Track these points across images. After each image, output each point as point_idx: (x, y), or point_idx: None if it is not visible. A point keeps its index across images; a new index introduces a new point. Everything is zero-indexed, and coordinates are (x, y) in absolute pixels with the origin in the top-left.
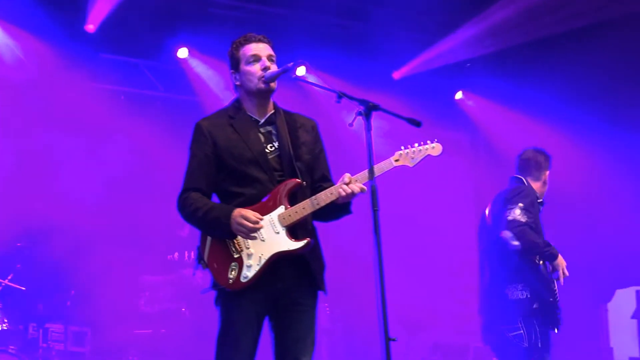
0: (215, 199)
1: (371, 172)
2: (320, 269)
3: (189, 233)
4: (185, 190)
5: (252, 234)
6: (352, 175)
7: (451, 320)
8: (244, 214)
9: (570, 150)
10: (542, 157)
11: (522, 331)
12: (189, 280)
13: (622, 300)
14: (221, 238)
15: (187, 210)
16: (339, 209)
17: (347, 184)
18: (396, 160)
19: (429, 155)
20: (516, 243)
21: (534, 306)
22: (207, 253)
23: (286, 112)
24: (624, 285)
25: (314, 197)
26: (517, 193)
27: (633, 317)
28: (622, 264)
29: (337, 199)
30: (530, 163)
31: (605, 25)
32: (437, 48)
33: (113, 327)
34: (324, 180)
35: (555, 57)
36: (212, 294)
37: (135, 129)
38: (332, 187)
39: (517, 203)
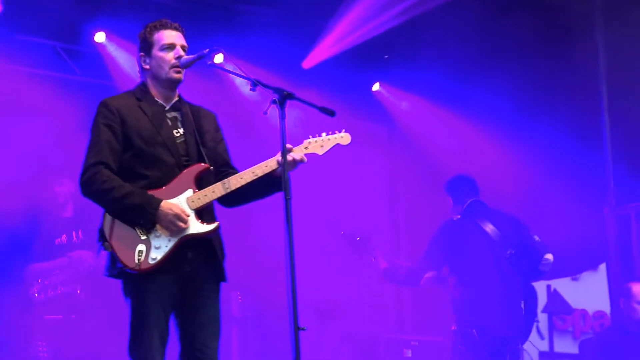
0: None
1: (285, 160)
2: (222, 258)
3: (73, 214)
4: (95, 163)
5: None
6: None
7: (363, 311)
8: (177, 213)
9: (488, 143)
10: None
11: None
12: (80, 262)
13: None
14: (136, 224)
15: (99, 187)
16: (273, 183)
17: (288, 153)
18: (306, 148)
19: (338, 144)
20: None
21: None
22: (111, 234)
23: (189, 103)
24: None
25: (224, 180)
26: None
27: (544, 311)
28: None
29: (275, 171)
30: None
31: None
32: (341, 26)
33: (22, 313)
34: (227, 166)
35: (474, 48)
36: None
37: (49, 112)
38: (266, 161)
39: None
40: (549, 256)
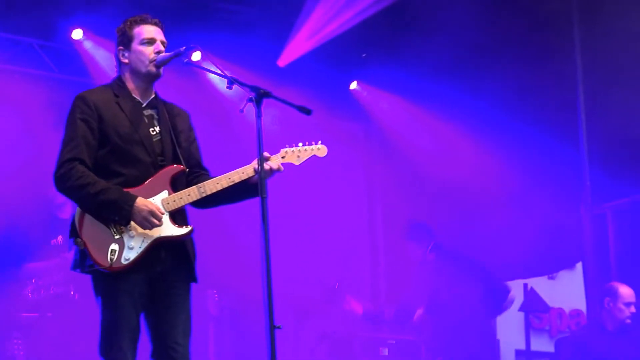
0: None
1: (261, 158)
2: (194, 259)
3: (71, 215)
4: (71, 159)
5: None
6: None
7: (340, 311)
8: (151, 210)
9: (465, 142)
10: None
11: None
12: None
13: None
14: (111, 221)
15: (74, 182)
16: (248, 190)
17: (266, 162)
18: (282, 157)
19: (314, 155)
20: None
21: None
22: (83, 231)
23: (163, 100)
24: (511, 278)
25: (200, 184)
26: None
27: (520, 309)
28: (510, 257)
29: (252, 178)
30: None
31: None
32: (316, 22)
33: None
34: (198, 167)
35: (452, 47)
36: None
37: (27, 110)
38: (243, 167)
39: None
40: (513, 294)
